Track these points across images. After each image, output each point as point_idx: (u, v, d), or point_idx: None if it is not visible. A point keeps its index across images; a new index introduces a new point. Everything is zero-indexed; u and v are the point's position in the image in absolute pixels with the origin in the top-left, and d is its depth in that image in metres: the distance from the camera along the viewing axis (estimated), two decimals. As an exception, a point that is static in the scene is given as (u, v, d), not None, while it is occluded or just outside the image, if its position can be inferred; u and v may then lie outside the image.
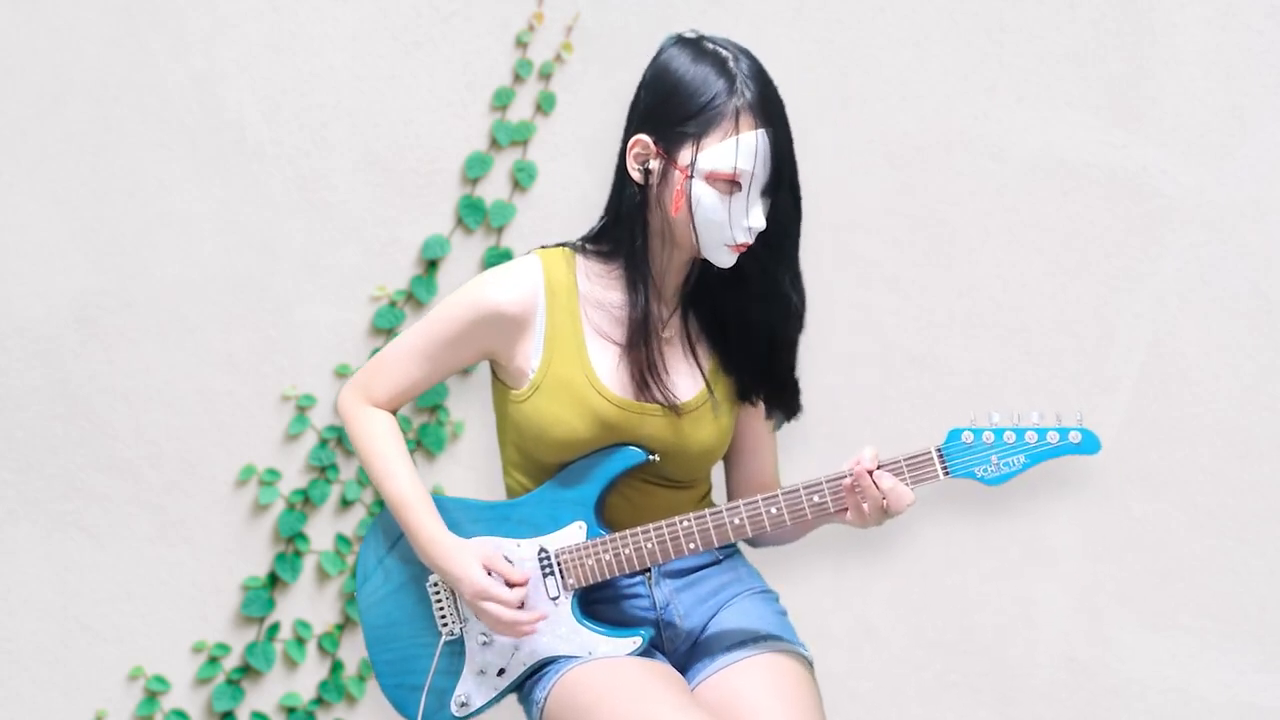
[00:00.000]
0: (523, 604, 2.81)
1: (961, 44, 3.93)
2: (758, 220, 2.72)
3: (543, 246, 2.87)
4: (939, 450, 2.73)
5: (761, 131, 2.70)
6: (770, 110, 2.71)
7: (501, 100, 3.95)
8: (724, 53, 2.72)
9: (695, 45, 2.74)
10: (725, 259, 2.75)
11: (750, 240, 2.74)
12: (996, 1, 3.93)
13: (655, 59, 2.77)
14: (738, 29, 3.75)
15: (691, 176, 2.71)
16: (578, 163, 3.95)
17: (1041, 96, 3.93)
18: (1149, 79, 3.92)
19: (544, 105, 3.95)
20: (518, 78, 3.95)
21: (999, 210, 3.96)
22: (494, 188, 3.97)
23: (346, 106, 3.94)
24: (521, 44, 3.95)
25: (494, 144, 3.96)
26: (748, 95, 2.69)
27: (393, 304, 3.96)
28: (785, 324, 2.83)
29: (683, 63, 2.73)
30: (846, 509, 2.76)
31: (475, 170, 3.95)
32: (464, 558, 2.79)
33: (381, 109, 3.94)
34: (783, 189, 2.74)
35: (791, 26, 3.92)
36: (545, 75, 3.95)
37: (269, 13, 3.92)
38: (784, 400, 2.90)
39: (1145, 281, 3.95)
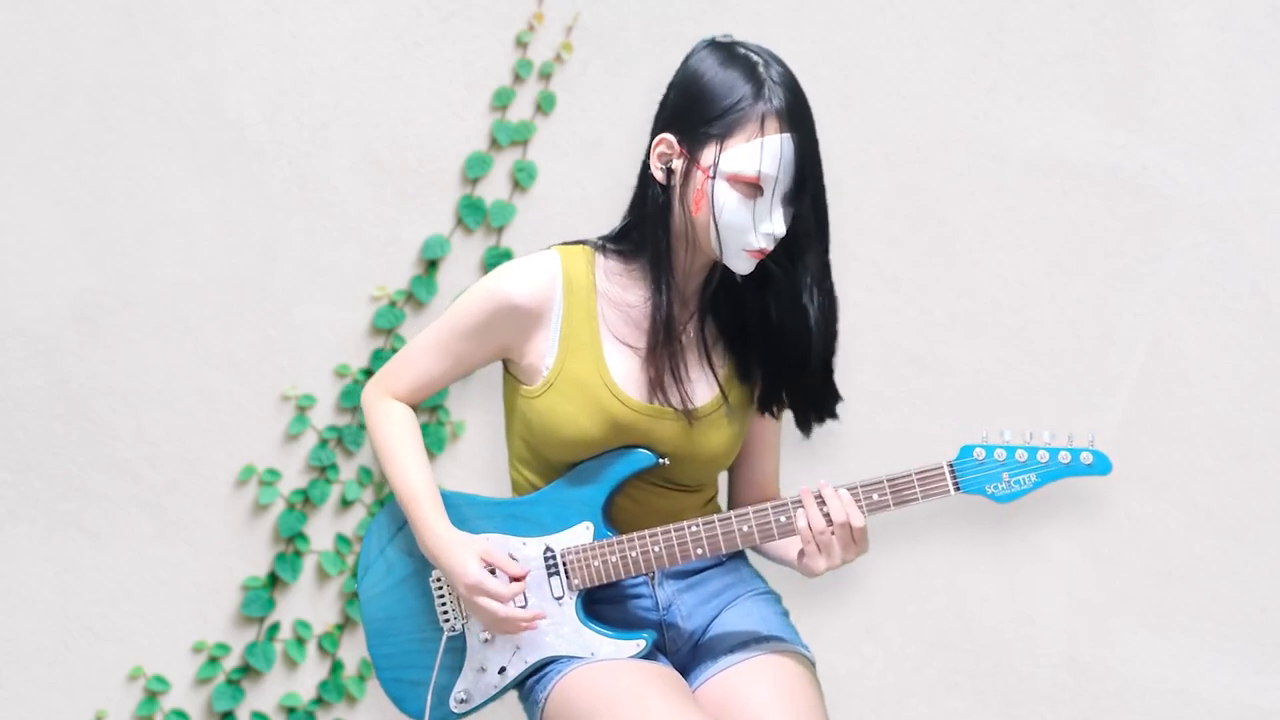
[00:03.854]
0: (525, 603, 2.81)
1: (961, 44, 3.94)
2: (778, 226, 2.69)
3: (562, 243, 2.85)
4: (951, 465, 2.72)
5: (786, 136, 2.67)
6: (797, 117, 2.68)
7: (501, 100, 3.95)
8: (755, 58, 2.69)
9: (727, 49, 2.72)
10: (743, 265, 2.72)
11: (769, 246, 2.71)
12: (996, 1, 3.93)
13: (686, 61, 2.74)
14: (738, 29, 3.75)
15: (714, 177, 2.68)
16: (578, 163, 3.95)
17: (1041, 96, 3.93)
18: (1149, 79, 3.92)
19: (544, 105, 3.95)
20: (518, 78, 3.95)
21: (999, 210, 3.96)
22: (494, 188, 3.97)
23: (346, 106, 3.94)
24: (521, 44, 3.95)
25: (494, 144, 3.96)
26: (775, 101, 2.66)
27: (393, 304, 3.96)
28: (802, 336, 2.77)
29: (711, 65, 2.70)
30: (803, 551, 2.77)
31: (475, 170, 3.95)
32: (462, 552, 2.78)
33: (381, 109, 3.94)
34: (805, 197, 2.71)
35: (791, 26, 3.92)
36: (545, 75, 3.95)
37: (269, 13, 3.92)
38: (815, 411, 2.87)
39: (1145, 281, 3.95)
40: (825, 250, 2.76)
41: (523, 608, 2.80)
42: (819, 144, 2.71)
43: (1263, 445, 3.95)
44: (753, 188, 2.68)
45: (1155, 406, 3.96)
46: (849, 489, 2.73)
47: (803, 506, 2.73)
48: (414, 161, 3.96)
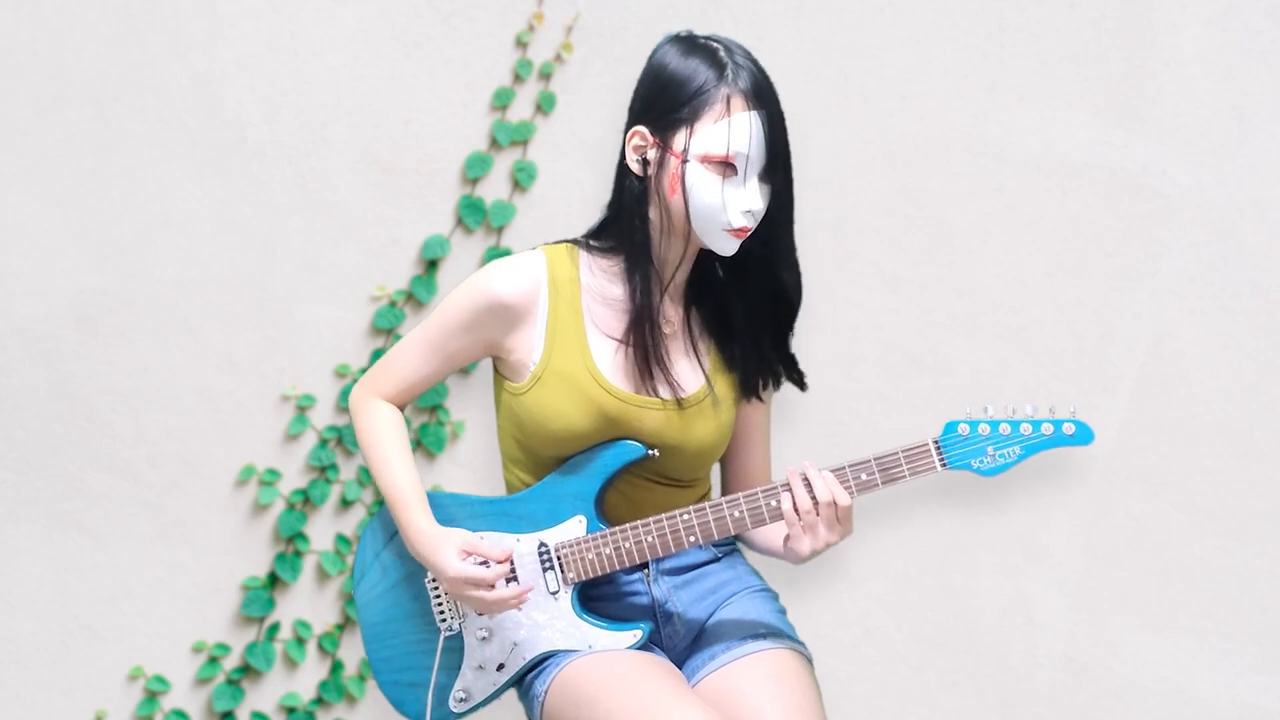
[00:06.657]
0: (516, 580, 2.82)
1: (961, 44, 3.94)
2: (755, 203, 2.73)
3: (547, 243, 2.88)
4: (936, 442, 2.75)
5: (754, 113, 2.71)
6: (763, 95, 2.72)
7: (501, 100, 3.95)
8: (715, 45, 2.75)
9: (688, 41, 2.78)
10: (727, 245, 2.75)
11: (750, 224, 2.74)
12: (996, 1, 3.93)
13: (650, 57, 2.80)
14: (738, 29, 3.77)
15: (686, 160, 2.72)
16: (578, 163, 3.96)
17: (1041, 96, 3.94)
18: (1149, 79, 3.92)
19: (544, 105, 3.95)
20: (518, 78, 3.95)
21: (999, 210, 3.96)
22: (494, 188, 3.97)
23: (346, 106, 3.94)
24: (521, 44, 3.95)
25: (494, 144, 3.96)
26: (740, 82, 2.71)
27: (393, 304, 3.96)
28: (778, 309, 2.84)
29: (675, 56, 2.76)
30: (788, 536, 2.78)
31: (475, 170, 3.95)
32: (442, 547, 2.79)
33: (381, 109, 3.94)
34: (779, 174, 2.75)
35: (791, 26, 3.92)
36: (545, 75, 3.95)
37: (269, 13, 3.92)
38: (787, 375, 2.91)
39: (1145, 281, 3.95)
40: (792, 230, 2.81)
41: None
42: (787, 125, 2.75)
43: (1263, 445, 3.95)
44: (725, 166, 2.72)
45: (1155, 406, 3.96)
46: (835, 470, 2.76)
47: (790, 489, 2.74)
48: (414, 161, 3.96)
